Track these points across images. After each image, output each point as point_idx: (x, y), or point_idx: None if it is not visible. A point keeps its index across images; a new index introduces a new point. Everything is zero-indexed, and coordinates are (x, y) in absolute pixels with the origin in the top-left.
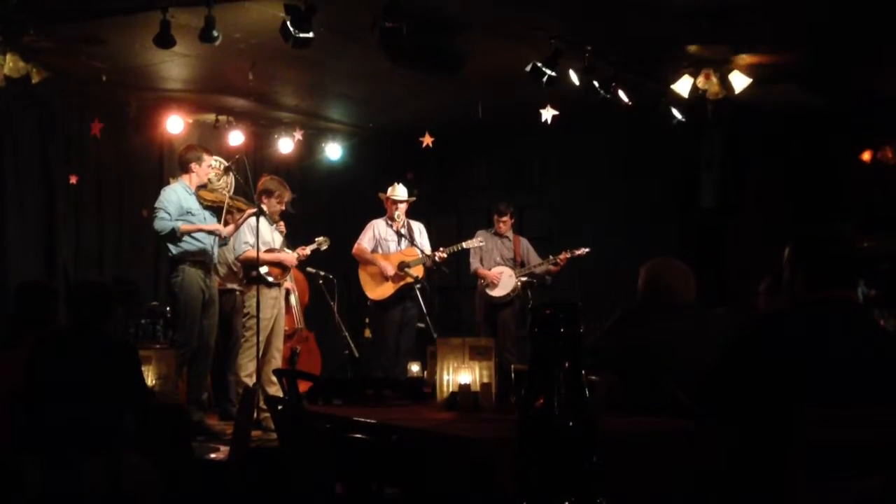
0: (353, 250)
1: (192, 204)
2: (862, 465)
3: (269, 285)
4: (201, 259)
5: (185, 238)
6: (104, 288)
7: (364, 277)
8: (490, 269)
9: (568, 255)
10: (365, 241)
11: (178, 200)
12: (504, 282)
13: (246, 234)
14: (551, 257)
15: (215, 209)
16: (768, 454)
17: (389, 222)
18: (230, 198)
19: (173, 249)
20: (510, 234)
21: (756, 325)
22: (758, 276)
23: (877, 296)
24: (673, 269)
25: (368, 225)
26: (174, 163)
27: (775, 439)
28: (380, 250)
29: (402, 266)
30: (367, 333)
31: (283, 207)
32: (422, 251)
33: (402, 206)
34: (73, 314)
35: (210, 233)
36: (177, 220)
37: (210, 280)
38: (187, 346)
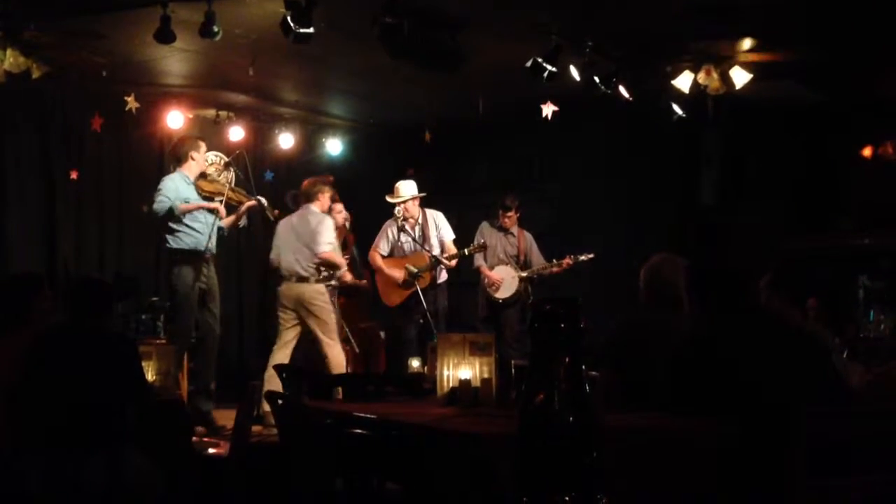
0: (369, 256)
1: (191, 194)
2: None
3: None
4: (198, 251)
5: (183, 230)
6: (103, 284)
7: (378, 284)
8: (492, 267)
9: (571, 261)
10: (380, 247)
11: (175, 189)
12: (507, 284)
13: (330, 232)
14: (555, 261)
15: (213, 200)
16: (768, 452)
17: (402, 222)
18: (230, 190)
19: (170, 241)
20: (515, 229)
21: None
22: (757, 273)
23: (879, 289)
24: (675, 266)
25: (382, 228)
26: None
27: (775, 438)
28: (395, 253)
29: (411, 274)
30: None
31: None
32: (431, 255)
33: (410, 205)
34: (73, 310)
35: (210, 212)
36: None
37: (209, 271)
38: (184, 338)
